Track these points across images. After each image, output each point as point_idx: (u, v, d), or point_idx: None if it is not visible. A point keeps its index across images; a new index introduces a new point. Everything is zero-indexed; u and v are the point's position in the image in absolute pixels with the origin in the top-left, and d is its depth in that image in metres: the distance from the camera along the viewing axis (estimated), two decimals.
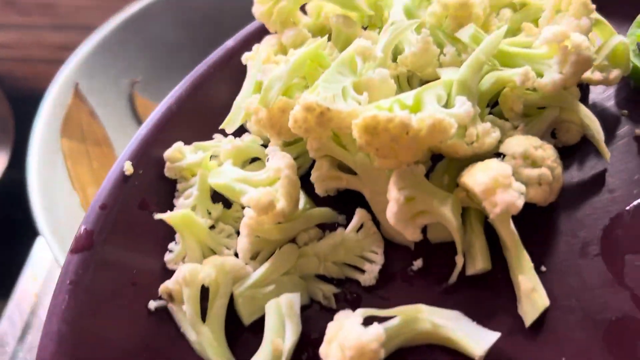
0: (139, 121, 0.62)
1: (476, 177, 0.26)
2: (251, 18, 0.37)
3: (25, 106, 0.91)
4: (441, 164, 0.29)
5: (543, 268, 0.28)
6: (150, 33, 0.63)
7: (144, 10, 0.62)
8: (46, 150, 0.53)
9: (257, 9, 0.35)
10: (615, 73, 0.31)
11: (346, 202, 0.31)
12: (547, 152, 0.28)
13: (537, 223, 0.29)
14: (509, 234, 0.27)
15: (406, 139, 0.26)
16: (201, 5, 0.65)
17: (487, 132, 0.28)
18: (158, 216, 0.30)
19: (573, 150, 0.31)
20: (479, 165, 0.26)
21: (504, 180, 0.25)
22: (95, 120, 0.59)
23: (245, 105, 0.31)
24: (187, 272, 0.28)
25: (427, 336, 0.26)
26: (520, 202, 0.25)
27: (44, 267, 0.64)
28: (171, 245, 0.31)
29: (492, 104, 0.31)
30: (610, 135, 0.31)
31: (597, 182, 0.30)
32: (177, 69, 0.64)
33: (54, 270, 0.62)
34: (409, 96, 0.27)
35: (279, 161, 0.29)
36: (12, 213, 0.91)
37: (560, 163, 0.28)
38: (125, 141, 0.58)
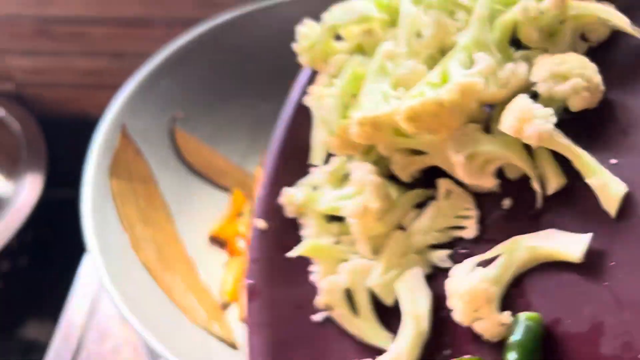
0: (179, 154, 0.64)
1: (505, 122, 0.30)
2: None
3: (54, 129, 0.97)
4: (495, 111, 0.33)
5: (613, 160, 0.30)
6: (189, 69, 0.65)
7: (183, 47, 0.65)
8: (97, 193, 0.55)
9: (302, 60, 0.40)
10: None
11: (429, 177, 0.35)
12: (572, 63, 0.30)
13: (595, 121, 0.31)
14: (564, 149, 0.30)
15: (446, 111, 0.30)
16: (238, 43, 0.68)
17: (511, 71, 0.31)
18: (291, 254, 0.36)
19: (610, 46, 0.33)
20: (507, 108, 0.30)
21: (525, 114, 0.28)
22: (141, 157, 0.60)
23: (320, 140, 0.36)
24: (329, 283, 0.34)
25: (531, 260, 0.30)
26: (548, 126, 0.28)
27: (89, 297, 0.66)
28: (313, 268, 0.37)
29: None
30: None
31: None
32: (213, 102, 0.66)
33: (98, 303, 0.64)
34: (435, 74, 0.31)
35: (360, 171, 0.34)
36: (52, 233, 0.99)
37: (591, 65, 0.30)
38: (169, 175, 0.63)
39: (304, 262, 0.37)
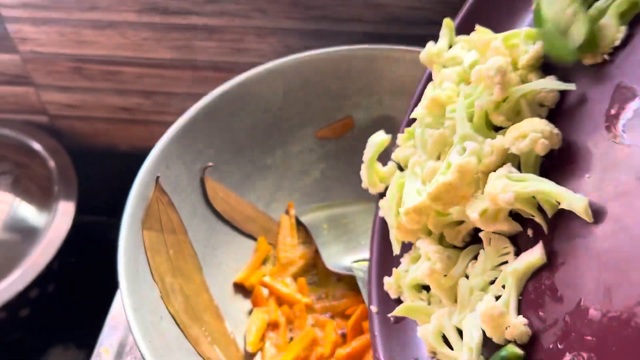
0: (208, 202, 0.67)
1: (485, 195, 0.39)
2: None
3: (83, 159, 1.00)
4: None
5: (587, 175, 0.37)
6: (219, 121, 0.68)
7: (214, 100, 0.68)
8: (131, 245, 0.57)
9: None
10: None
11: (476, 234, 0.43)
12: (525, 125, 0.38)
13: (564, 155, 0.39)
14: (531, 195, 0.38)
15: (454, 188, 0.40)
16: (265, 95, 0.71)
17: (491, 145, 0.40)
18: (392, 314, 0.47)
19: None
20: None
21: (492, 191, 0.38)
22: (172, 208, 0.62)
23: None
24: (423, 330, 0.44)
25: None
26: (509, 195, 0.37)
27: (116, 340, 0.67)
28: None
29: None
30: None
31: None
32: (241, 150, 0.69)
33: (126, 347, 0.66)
34: (443, 165, 0.41)
35: (423, 245, 0.45)
36: (78, 259, 1.02)
37: (540, 121, 0.38)
38: (197, 223, 0.65)
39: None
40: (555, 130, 0.39)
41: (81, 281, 1.03)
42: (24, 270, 0.85)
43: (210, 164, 0.67)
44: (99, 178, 1.05)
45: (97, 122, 0.98)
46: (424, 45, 0.52)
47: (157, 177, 0.62)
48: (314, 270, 0.69)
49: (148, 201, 0.60)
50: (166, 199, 0.63)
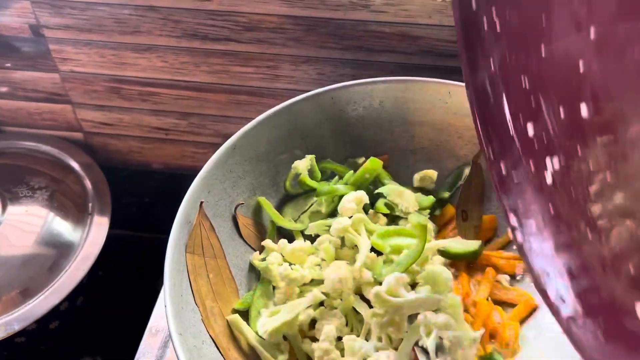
0: (242, 237, 0.69)
1: None
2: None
3: (117, 175, 1.03)
4: None
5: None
6: (260, 146, 0.71)
7: (258, 125, 0.71)
8: (175, 268, 0.58)
9: None
10: None
11: None
12: None
13: None
14: None
15: None
16: (304, 122, 0.74)
17: None
18: None
19: None
20: None
21: None
22: (213, 233, 0.64)
23: None
24: None
25: None
26: None
27: (153, 357, 0.68)
28: None
29: None
30: None
31: None
32: (276, 178, 0.72)
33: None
34: None
35: None
36: (106, 273, 1.04)
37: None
38: (234, 249, 0.67)
39: None
40: None
41: (110, 295, 1.05)
42: (58, 285, 0.87)
43: (241, 202, 0.69)
44: (131, 194, 1.08)
45: (131, 140, 1.01)
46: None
47: (201, 203, 0.64)
48: None
49: (192, 226, 0.62)
50: (208, 224, 0.65)
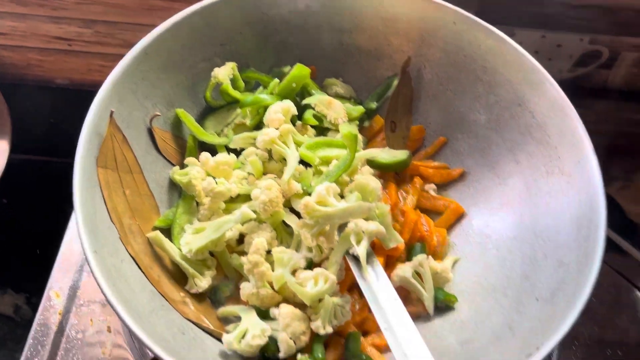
0: (159, 151, 0.64)
1: None
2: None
3: (16, 93, 0.93)
4: None
5: None
6: (173, 54, 0.64)
7: (171, 29, 0.63)
8: (86, 184, 0.53)
9: None
10: None
11: None
12: None
13: None
14: None
15: None
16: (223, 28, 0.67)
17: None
18: None
19: None
20: None
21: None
22: (127, 146, 0.59)
23: None
24: None
25: None
26: None
27: (67, 284, 0.64)
28: None
29: None
30: None
31: None
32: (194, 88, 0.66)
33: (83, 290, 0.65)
34: None
35: None
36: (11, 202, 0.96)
37: None
38: (152, 164, 0.62)
39: None
40: None
41: (15, 225, 0.98)
42: None
43: (157, 113, 0.63)
44: (32, 114, 0.98)
45: (30, 52, 0.90)
46: None
47: (111, 112, 0.58)
48: None
49: (102, 138, 0.57)
50: (120, 136, 0.59)
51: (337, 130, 0.68)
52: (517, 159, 0.65)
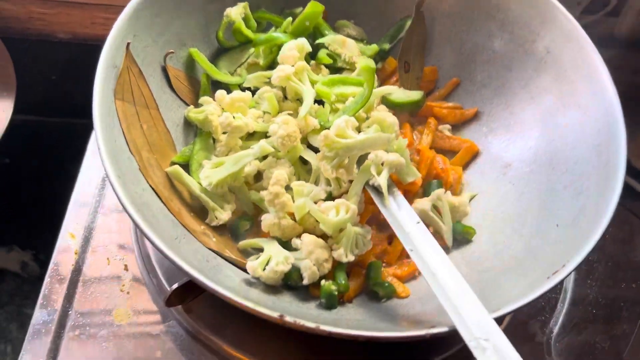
0: (174, 90, 0.63)
1: None
2: None
3: (16, 47, 0.91)
4: None
5: None
6: None
7: None
8: (105, 114, 0.52)
9: None
10: None
11: None
12: None
13: None
14: None
15: None
16: None
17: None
18: None
19: None
20: None
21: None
22: (143, 80, 0.58)
23: None
24: None
25: None
26: None
27: (82, 224, 0.64)
28: None
29: None
30: None
31: None
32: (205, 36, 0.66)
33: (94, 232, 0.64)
34: None
35: None
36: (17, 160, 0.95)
37: None
38: (168, 102, 0.61)
39: None
40: None
41: (20, 182, 0.96)
42: None
43: (171, 50, 0.62)
44: (33, 71, 0.96)
45: (30, 4, 0.88)
46: None
47: (128, 44, 0.57)
48: None
49: (119, 70, 0.56)
50: (137, 70, 0.58)
51: (351, 70, 0.68)
52: (532, 95, 0.65)
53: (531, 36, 0.65)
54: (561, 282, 0.51)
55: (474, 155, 0.68)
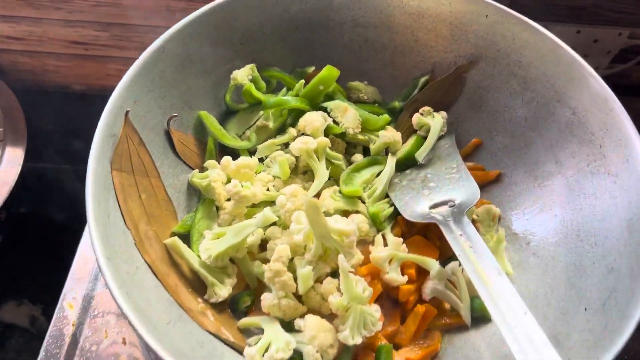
0: (177, 154, 0.61)
1: None
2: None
3: (32, 99, 0.91)
4: None
5: None
6: (191, 50, 0.61)
7: (187, 26, 0.61)
8: (100, 187, 0.50)
9: None
10: None
11: None
12: None
13: None
14: None
15: None
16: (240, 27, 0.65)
17: None
18: None
19: None
20: None
21: None
22: (143, 148, 0.56)
23: None
24: None
25: None
26: None
27: (81, 294, 0.62)
28: None
29: None
30: None
31: None
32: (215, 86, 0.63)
33: (96, 302, 0.61)
34: None
35: None
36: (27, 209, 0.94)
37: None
38: (170, 168, 0.59)
39: None
40: None
41: (33, 233, 0.95)
42: None
43: (175, 114, 0.60)
44: (48, 121, 0.96)
45: (46, 57, 0.88)
46: None
47: (127, 112, 0.55)
48: None
49: (117, 139, 0.54)
50: (137, 138, 0.56)
51: (352, 136, 0.65)
52: (557, 159, 0.61)
53: (556, 96, 0.61)
54: None
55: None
